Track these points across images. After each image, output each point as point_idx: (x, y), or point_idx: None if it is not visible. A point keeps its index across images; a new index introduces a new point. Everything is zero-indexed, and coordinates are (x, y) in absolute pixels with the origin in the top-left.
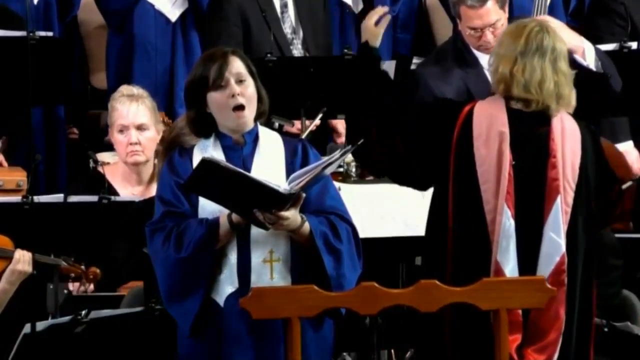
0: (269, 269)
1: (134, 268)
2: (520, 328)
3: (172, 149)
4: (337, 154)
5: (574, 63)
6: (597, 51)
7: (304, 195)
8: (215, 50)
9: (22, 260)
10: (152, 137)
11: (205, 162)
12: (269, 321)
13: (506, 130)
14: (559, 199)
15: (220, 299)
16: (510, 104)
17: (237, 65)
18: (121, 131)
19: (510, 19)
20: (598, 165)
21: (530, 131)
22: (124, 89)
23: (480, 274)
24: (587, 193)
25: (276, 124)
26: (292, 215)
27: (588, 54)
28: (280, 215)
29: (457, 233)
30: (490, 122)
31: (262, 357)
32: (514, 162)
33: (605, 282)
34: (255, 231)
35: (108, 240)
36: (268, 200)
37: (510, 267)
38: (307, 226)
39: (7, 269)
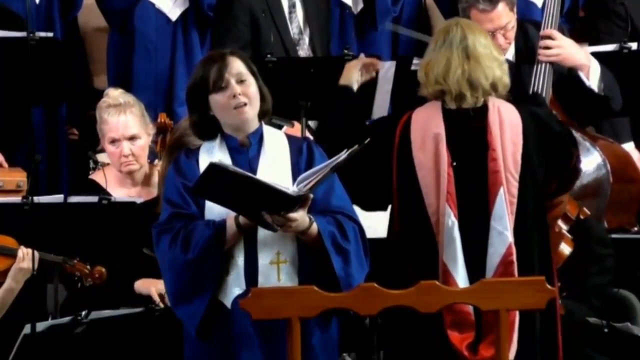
0: (276, 271)
1: (137, 270)
2: (472, 326)
3: (176, 150)
4: (343, 153)
5: (576, 80)
6: (604, 72)
7: (311, 196)
8: (213, 53)
9: (27, 258)
10: (143, 144)
11: (213, 167)
12: (276, 322)
13: (441, 131)
14: (501, 191)
15: (228, 301)
16: (444, 105)
17: (236, 66)
18: (112, 142)
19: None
20: (547, 146)
21: (467, 129)
22: (110, 97)
23: (430, 277)
24: (533, 181)
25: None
26: (301, 216)
27: (592, 74)
28: (289, 217)
29: (405, 239)
30: (425, 126)
31: (270, 358)
32: (454, 163)
33: (596, 272)
34: (262, 233)
35: (109, 241)
36: (277, 203)
37: (458, 268)
38: (315, 227)
39: (13, 267)
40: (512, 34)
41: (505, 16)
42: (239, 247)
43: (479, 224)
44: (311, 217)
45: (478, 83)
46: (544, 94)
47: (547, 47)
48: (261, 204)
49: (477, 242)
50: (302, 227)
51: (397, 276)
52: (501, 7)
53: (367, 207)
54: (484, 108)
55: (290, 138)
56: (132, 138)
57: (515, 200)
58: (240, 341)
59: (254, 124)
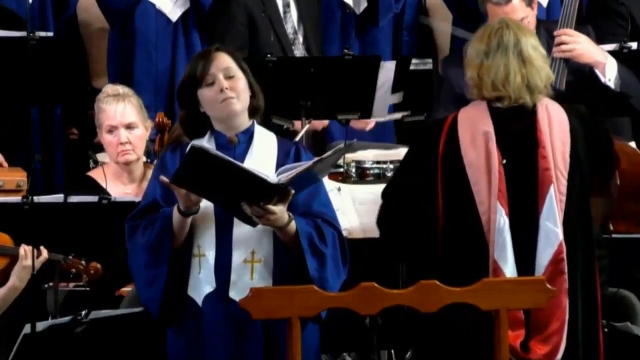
0: (249, 270)
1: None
2: (522, 324)
3: None
4: (329, 152)
5: (592, 77)
6: (621, 70)
7: (292, 191)
8: (202, 50)
9: (29, 256)
10: (140, 135)
11: (195, 150)
12: (247, 321)
13: (491, 129)
14: (552, 189)
15: (199, 298)
16: (491, 104)
17: (223, 61)
18: (110, 131)
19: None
20: (592, 145)
21: (516, 127)
22: (109, 89)
23: (478, 275)
24: (580, 180)
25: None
26: (280, 211)
27: (608, 71)
28: (268, 209)
29: (450, 236)
30: (474, 124)
31: (240, 357)
32: (504, 161)
33: None
34: (237, 230)
35: (109, 241)
36: (256, 191)
37: (508, 265)
38: (293, 225)
39: (17, 266)
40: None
41: (521, 11)
42: (209, 244)
43: (528, 222)
44: (291, 215)
45: (535, 86)
46: (557, 86)
47: (563, 43)
48: (240, 192)
49: (526, 240)
50: (280, 223)
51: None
52: (516, 1)
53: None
54: (533, 107)
55: (280, 141)
56: (129, 126)
57: (564, 199)
58: (210, 339)
59: (243, 121)
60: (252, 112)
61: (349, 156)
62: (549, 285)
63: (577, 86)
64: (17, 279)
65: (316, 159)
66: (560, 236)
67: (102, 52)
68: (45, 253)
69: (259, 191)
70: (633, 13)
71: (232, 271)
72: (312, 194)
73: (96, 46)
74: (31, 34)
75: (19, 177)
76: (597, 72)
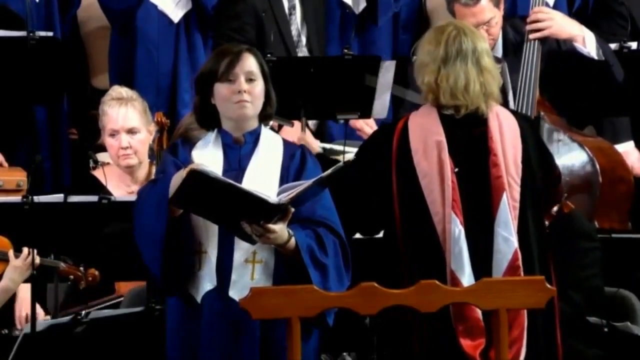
0: (250, 270)
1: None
2: (483, 332)
3: None
4: (329, 170)
5: (575, 52)
6: (598, 40)
7: (292, 209)
8: (231, 45)
9: (21, 257)
10: (143, 139)
11: (195, 173)
12: (245, 321)
13: (443, 139)
14: (504, 196)
15: (198, 295)
16: (442, 110)
17: (249, 64)
18: (112, 135)
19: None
20: (540, 148)
21: (467, 135)
22: (114, 92)
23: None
24: (532, 185)
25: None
26: (280, 229)
27: (588, 42)
28: (268, 228)
29: (409, 247)
30: (425, 133)
31: (236, 356)
32: (457, 170)
33: (578, 265)
34: None
35: (107, 239)
36: (256, 212)
37: (465, 274)
38: (293, 242)
39: (7, 267)
40: (496, 30)
41: (489, 11)
42: (212, 243)
43: (483, 230)
44: (290, 231)
45: (491, 93)
46: (532, 75)
47: (538, 21)
48: (241, 212)
49: (482, 248)
50: (280, 241)
51: (397, 282)
52: (484, 2)
53: (364, 229)
54: (481, 114)
55: (286, 143)
56: (131, 131)
57: (517, 205)
58: (207, 337)
59: (252, 124)
60: (262, 118)
61: (351, 156)
62: (548, 285)
63: (555, 66)
64: (9, 280)
65: (317, 178)
66: (516, 243)
67: (101, 51)
68: (37, 260)
69: (260, 212)
70: (633, 13)
71: (232, 270)
72: (316, 198)
73: (95, 45)
74: (31, 34)
75: (19, 177)
76: (578, 45)
